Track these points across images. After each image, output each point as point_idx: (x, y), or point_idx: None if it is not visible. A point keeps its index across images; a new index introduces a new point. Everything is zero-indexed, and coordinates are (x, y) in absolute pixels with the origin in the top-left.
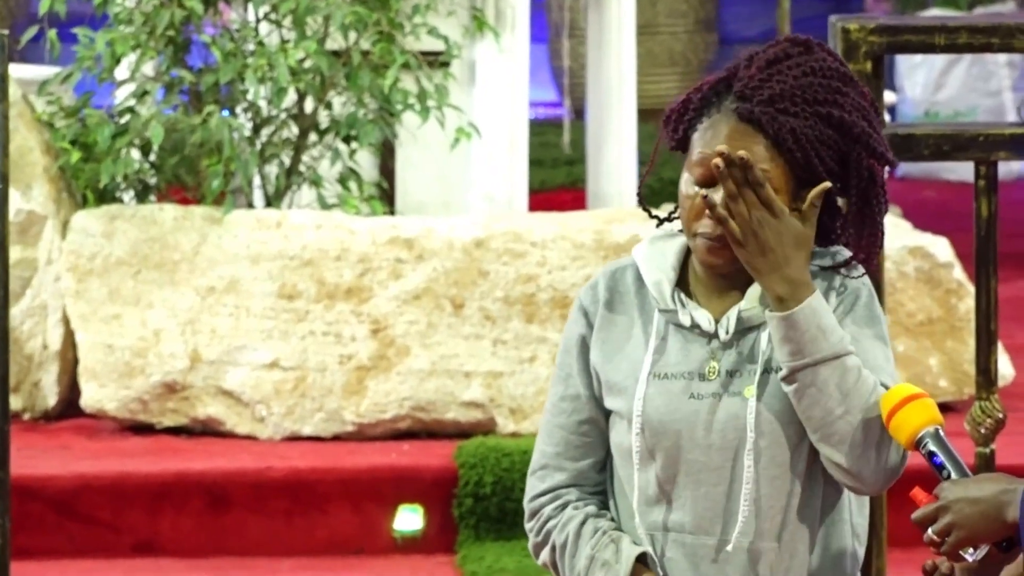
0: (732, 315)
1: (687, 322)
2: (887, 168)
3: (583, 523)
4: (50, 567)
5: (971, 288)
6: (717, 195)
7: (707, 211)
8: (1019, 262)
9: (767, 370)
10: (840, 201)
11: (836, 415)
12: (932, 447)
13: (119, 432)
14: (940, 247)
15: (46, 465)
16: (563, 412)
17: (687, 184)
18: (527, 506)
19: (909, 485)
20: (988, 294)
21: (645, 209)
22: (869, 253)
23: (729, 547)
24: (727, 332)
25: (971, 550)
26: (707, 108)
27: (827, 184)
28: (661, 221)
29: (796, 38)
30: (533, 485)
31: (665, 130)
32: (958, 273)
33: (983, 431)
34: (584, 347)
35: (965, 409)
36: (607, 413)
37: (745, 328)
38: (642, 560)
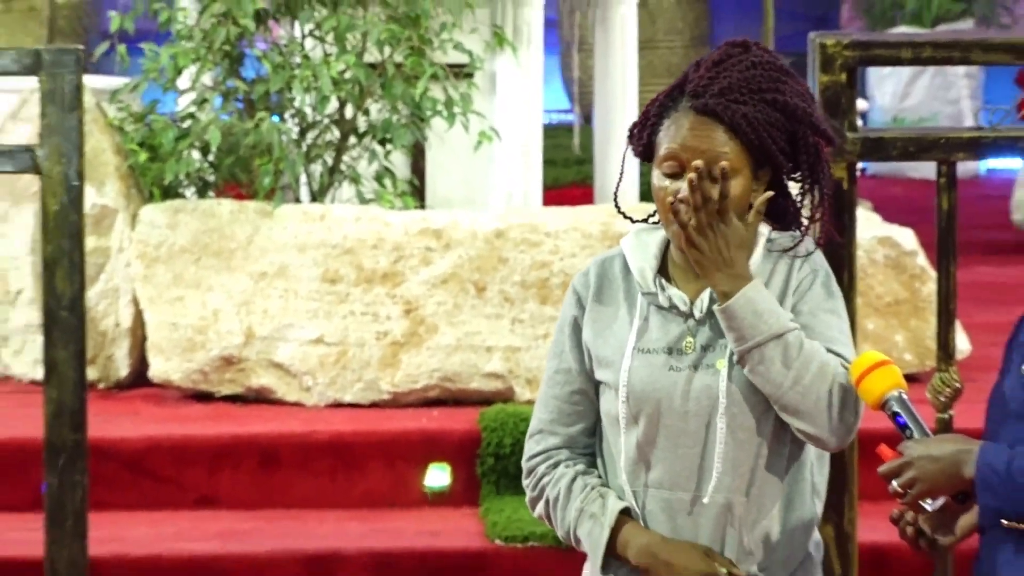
0: (705, 296)
1: (666, 303)
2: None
3: (573, 480)
4: (123, 518)
5: (933, 273)
6: (682, 183)
7: (682, 202)
8: (975, 250)
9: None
10: (793, 188)
11: (786, 387)
12: (896, 409)
13: (182, 400)
14: (906, 237)
15: (118, 429)
16: (557, 384)
17: (659, 179)
18: (524, 465)
19: (876, 445)
20: (948, 278)
21: (620, 211)
22: (822, 221)
23: (704, 500)
24: (701, 311)
25: (930, 501)
26: (665, 112)
27: (770, 194)
28: (635, 221)
29: (735, 41)
30: (530, 447)
31: (631, 142)
32: (921, 260)
33: (943, 399)
34: (576, 327)
35: (927, 379)
36: (596, 384)
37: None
38: (625, 512)
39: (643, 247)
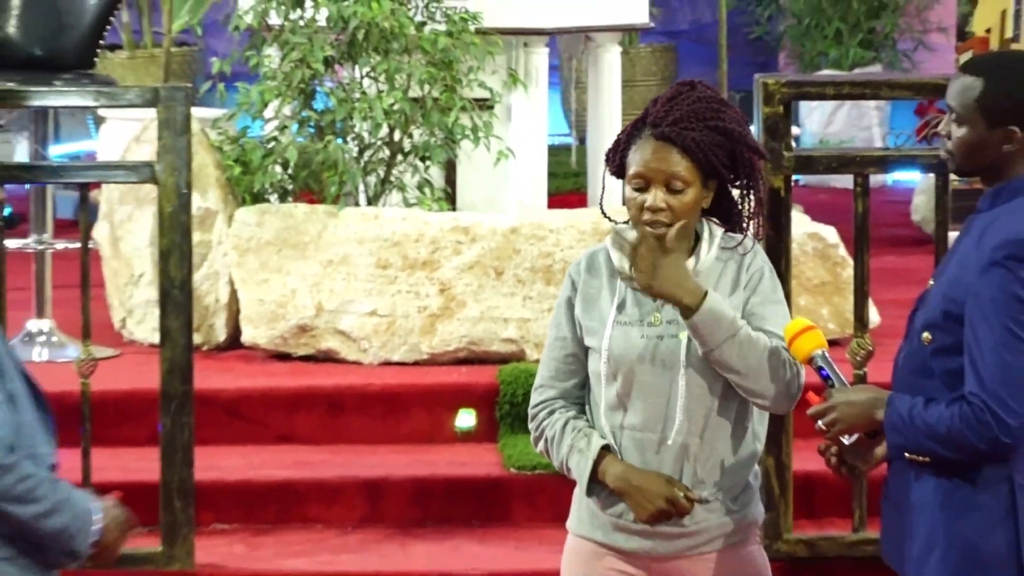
0: None
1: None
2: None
3: (566, 424)
4: (220, 451)
5: (851, 261)
6: (648, 195)
7: (645, 207)
8: (884, 243)
9: None
10: (736, 194)
11: (743, 374)
12: (820, 364)
13: (267, 359)
14: (830, 233)
15: (217, 382)
16: (555, 348)
17: (630, 192)
18: (529, 412)
19: (806, 394)
20: (862, 265)
21: (605, 215)
22: (758, 220)
23: (668, 442)
24: None
25: (847, 437)
26: (632, 140)
27: (684, 222)
28: (616, 223)
29: (684, 81)
30: (533, 398)
31: (607, 163)
32: (842, 251)
33: (859, 359)
34: (570, 304)
35: (846, 344)
36: (586, 349)
37: None
38: (606, 448)
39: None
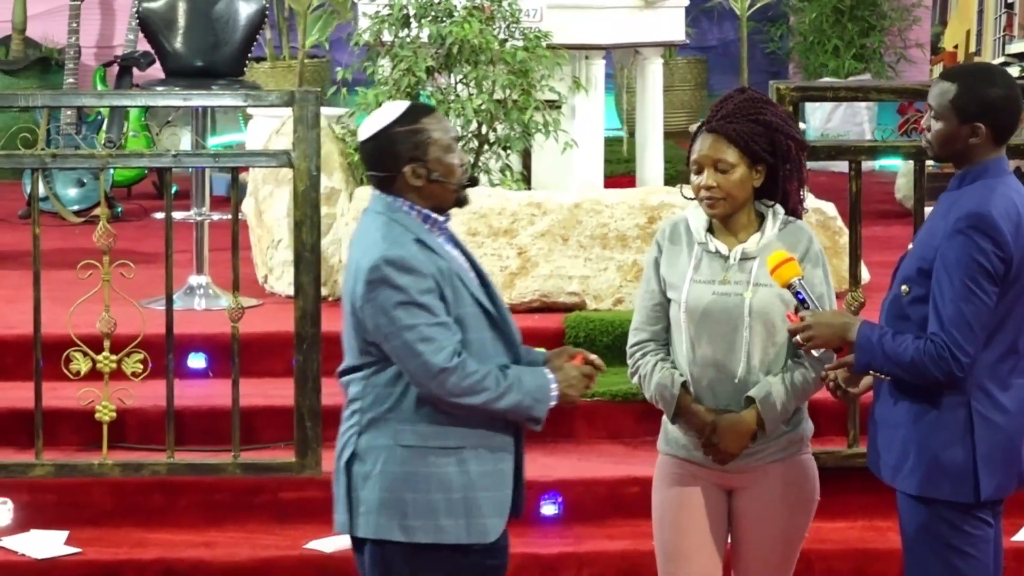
0: (739, 249)
1: (713, 249)
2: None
3: (656, 364)
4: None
5: (846, 230)
6: (702, 176)
7: (701, 189)
8: (872, 216)
9: (757, 284)
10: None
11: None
12: (798, 288)
13: None
14: (829, 208)
15: (339, 326)
16: (645, 298)
17: (692, 176)
18: (628, 350)
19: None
20: (856, 234)
21: (684, 196)
22: (798, 197)
23: (735, 380)
24: (735, 259)
25: (818, 350)
26: (695, 137)
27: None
28: (688, 198)
29: (739, 88)
30: (631, 339)
31: (688, 150)
32: (839, 222)
33: (852, 310)
34: (656, 264)
35: (843, 297)
36: (668, 301)
37: (745, 258)
38: (684, 386)
39: (699, 214)
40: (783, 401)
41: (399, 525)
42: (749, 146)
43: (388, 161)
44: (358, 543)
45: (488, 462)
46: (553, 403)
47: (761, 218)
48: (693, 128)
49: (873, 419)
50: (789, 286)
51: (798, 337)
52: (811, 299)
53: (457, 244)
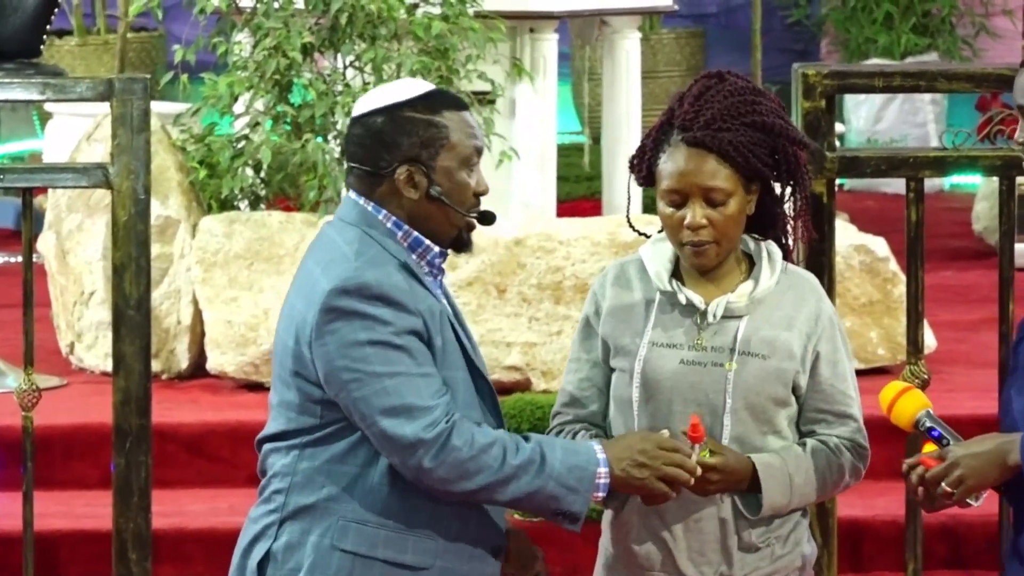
0: (721, 302)
1: (683, 301)
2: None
3: (575, 437)
4: (183, 495)
5: (903, 277)
6: (686, 211)
7: (683, 225)
8: (940, 257)
9: (745, 352)
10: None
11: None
12: (929, 424)
13: (236, 389)
14: (879, 245)
15: (179, 415)
16: (574, 369)
17: (664, 207)
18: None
19: None
20: (916, 282)
21: (634, 229)
22: (806, 222)
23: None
24: (715, 316)
25: (977, 497)
26: (660, 146)
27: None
28: (646, 236)
29: (710, 72)
30: (551, 425)
31: (633, 172)
32: (893, 265)
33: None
34: (588, 324)
35: (898, 372)
36: (612, 371)
37: (728, 315)
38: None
39: (659, 254)
40: (791, 469)
41: None
42: (749, 163)
43: (380, 151)
44: None
45: None
46: (602, 493)
47: (748, 259)
48: (649, 131)
49: (1018, 551)
50: (917, 424)
51: (944, 484)
52: (949, 432)
53: (448, 297)
